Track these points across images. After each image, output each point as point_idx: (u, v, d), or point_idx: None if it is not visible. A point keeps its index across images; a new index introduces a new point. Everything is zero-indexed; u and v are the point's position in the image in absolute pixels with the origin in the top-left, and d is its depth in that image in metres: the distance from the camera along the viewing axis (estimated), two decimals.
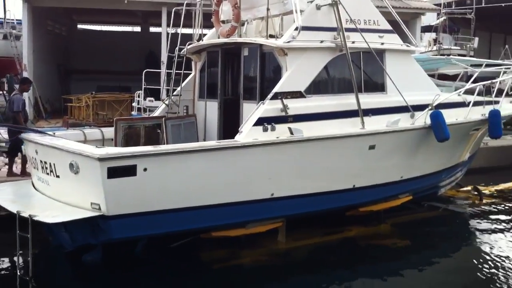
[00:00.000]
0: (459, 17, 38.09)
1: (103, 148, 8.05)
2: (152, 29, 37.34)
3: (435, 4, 35.67)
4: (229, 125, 10.72)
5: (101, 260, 8.49)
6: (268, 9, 9.93)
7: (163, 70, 23.02)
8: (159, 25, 25.37)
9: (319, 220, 10.48)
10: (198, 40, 11.54)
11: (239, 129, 9.03)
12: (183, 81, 11.64)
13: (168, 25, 25.30)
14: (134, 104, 19.80)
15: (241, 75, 10.59)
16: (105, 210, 7.70)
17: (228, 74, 11.37)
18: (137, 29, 40.11)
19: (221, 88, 11.17)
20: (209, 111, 11.39)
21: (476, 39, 37.18)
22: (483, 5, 37.81)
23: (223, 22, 11.16)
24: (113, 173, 7.61)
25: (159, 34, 24.95)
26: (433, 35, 35.90)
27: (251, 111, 9.27)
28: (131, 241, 8.51)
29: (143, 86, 19.35)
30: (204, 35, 11.72)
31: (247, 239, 9.38)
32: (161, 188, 8.00)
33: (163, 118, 10.77)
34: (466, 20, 37.70)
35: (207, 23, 11.76)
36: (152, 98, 19.46)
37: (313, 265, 9.21)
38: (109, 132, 10.58)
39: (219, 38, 11.05)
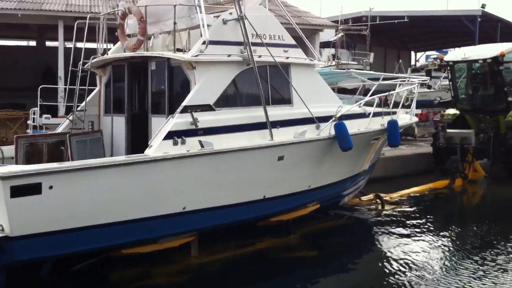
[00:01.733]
0: (355, 33, 39.85)
1: (5, 166, 7.69)
2: (49, 43, 36.07)
3: (332, 21, 37.01)
4: (137, 140, 10.57)
5: (4, 285, 8.06)
6: (175, 23, 9.94)
7: (61, 85, 22.42)
8: (56, 39, 24.60)
9: (231, 233, 10.54)
10: (103, 54, 11.32)
11: (149, 143, 8.92)
12: (87, 96, 11.36)
13: (67, 40, 24.70)
14: (29, 122, 18.92)
15: (148, 89, 10.48)
16: (8, 231, 7.32)
17: (135, 89, 11.22)
18: (33, 43, 38.64)
19: (128, 103, 11.00)
20: (116, 127, 11.17)
21: (372, 54, 39.00)
22: (377, 22, 39.74)
23: (129, 36, 11.03)
24: (16, 192, 7.27)
25: (56, 48, 24.18)
26: (332, 50, 37.28)
27: (160, 125, 9.20)
28: (37, 262, 8.13)
29: (38, 103, 18.57)
30: (109, 49, 11.52)
31: (159, 255, 9.25)
32: (68, 206, 7.72)
33: (67, 135, 10.45)
34: (362, 36, 39.51)
35: (111, 37, 11.56)
36: (48, 115, 18.72)
37: (227, 279, 9.22)
38: (9, 150, 10.12)
39: (125, 52, 10.90)
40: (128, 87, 11.00)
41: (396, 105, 13.99)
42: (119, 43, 11.28)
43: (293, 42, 11.38)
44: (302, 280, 9.25)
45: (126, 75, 10.96)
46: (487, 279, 8.91)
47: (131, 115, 11.01)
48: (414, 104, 14.79)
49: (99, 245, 8.30)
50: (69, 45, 27.46)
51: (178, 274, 9.40)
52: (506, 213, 14.43)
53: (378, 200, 13.75)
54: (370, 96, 12.98)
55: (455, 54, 19.99)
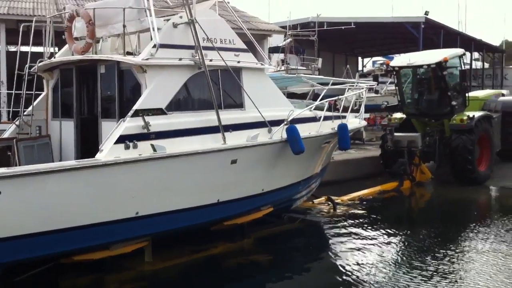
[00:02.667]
0: (303, 39, 40.27)
1: None
2: None
3: (281, 26, 37.27)
4: (87, 145, 10.37)
5: None
6: (124, 26, 9.80)
7: (3, 90, 21.75)
8: None
9: (185, 238, 10.45)
10: (50, 58, 11.06)
11: (100, 147, 8.75)
12: (34, 101, 11.06)
13: (10, 43, 23.99)
14: None
15: (98, 93, 10.29)
16: None
17: (83, 92, 11.00)
18: None
19: (77, 107, 10.77)
20: (65, 131, 10.91)
21: (320, 59, 39.45)
22: (325, 28, 40.28)
23: (77, 39, 10.80)
24: None
25: None
26: (281, 55, 37.55)
27: (111, 130, 9.03)
28: None
29: None
30: (55, 52, 11.26)
31: (112, 262, 9.08)
32: (17, 212, 7.51)
33: (14, 140, 10.14)
34: (310, 41, 39.94)
35: (57, 41, 11.28)
36: None
37: (181, 286, 9.14)
38: None
39: (73, 55, 10.68)
40: (77, 91, 10.76)
41: (345, 110, 14.21)
42: (66, 46, 11.03)
43: (244, 47, 11.42)
44: (257, 285, 9.27)
45: (75, 78, 10.73)
46: (435, 279, 9.09)
47: (80, 120, 10.78)
48: (362, 108, 15.07)
49: (49, 252, 8.10)
50: (12, 49, 26.75)
51: (132, 281, 9.26)
52: (452, 214, 14.84)
53: (330, 202, 13.90)
54: (320, 100, 13.14)
55: (400, 59, 20.43)
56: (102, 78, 10.20)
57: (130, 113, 9.07)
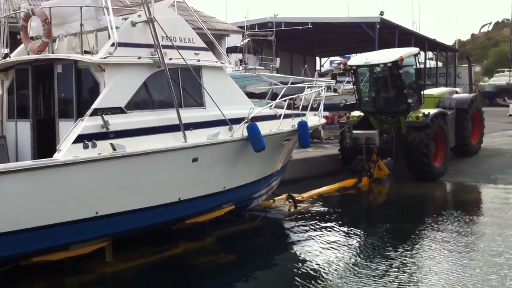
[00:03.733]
0: (261, 39, 40.44)
1: None
2: None
3: (238, 27, 37.33)
4: (44, 146, 10.18)
5: None
6: (82, 25, 9.68)
7: None
8: None
9: (147, 238, 10.38)
10: (4, 58, 10.82)
11: (58, 147, 8.63)
12: None
13: None
14: None
15: (55, 92, 10.13)
16: None
17: (40, 92, 10.81)
18: None
19: (33, 107, 10.57)
20: (21, 132, 10.70)
21: (278, 59, 39.72)
22: (282, 27, 40.57)
23: (32, 38, 10.60)
24: None
25: None
26: (239, 55, 37.63)
27: (69, 130, 8.90)
28: None
29: None
30: (10, 52, 11.03)
31: (72, 264, 8.97)
32: None
33: None
34: (268, 41, 40.16)
35: (12, 41, 11.05)
36: None
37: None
38: None
39: (28, 54, 10.48)
40: (33, 91, 10.57)
41: (304, 109, 14.32)
42: (22, 45, 10.82)
43: (204, 45, 11.41)
44: (219, 285, 9.26)
45: (31, 78, 10.53)
46: (391, 277, 9.19)
47: (37, 120, 10.58)
48: (322, 106, 15.21)
49: (7, 253, 7.95)
50: None
51: (92, 283, 9.17)
52: (409, 210, 15.13)
53: (290, 200, 14.00)
54: (280, 99, 13.23)
55: (358, 58, 20.74)
56: (59, 78, 10.04)
57: (88, 112, 8.96)
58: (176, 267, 10.02)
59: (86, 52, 9.87)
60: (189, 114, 10.41)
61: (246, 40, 37.70)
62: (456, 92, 22.76)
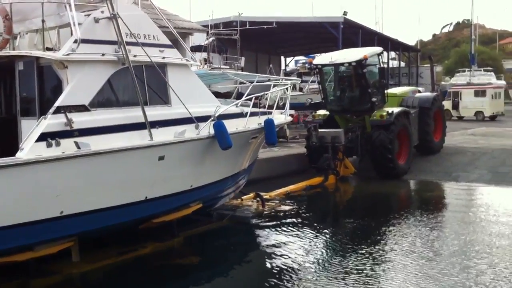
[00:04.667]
0: (226, 38, 40.31)
1: None
2: None
3: (203, 25, 37.11)
4: (5, 145, 9.90)
5: None
6: (43, 21, 9.48)
7: None
8: None
9: (113, 239, 10.23)
10: None
11: (20, 146, 8.42)
12: None
13: None
14: None
15: (16, 90, 9.89)
16: None
17: (1, 90, 10.55)
18: None
19: None
20: None
21: (243, 58, 39.62)
22: (247, 27, 40.52)
23: None
24: None
25: None
26: (203, 54, 37.42)
27: (31, 128, 8.69)
28: None
29: None
30: None
31: (38, 266, 8.79)
32: None
33: None
34: (233, 40, 40.05)
35: None
36: None
37: None
38: None
39: None
40: None
41: (270, 108, 14.29)
42: None
43: (169, 43, 11.28)
44: (187, 286, 9.21)
45: None
46: (362, 272, 9.28)
47: None
48: (287, 105, 15.23)
49: None
50: None
51: (59, 285, 8.99)
52: (374, 208, 15.27)
53: (258, 199, 13.97)
54: (246, 97, 13.19)
55: (322, 58, 20.86)
56: (20, 75, 9.81)
57: (51, 110, 8.78)
58: (144, 268, 9.88)
59: (48, 49, 9.67)
60: (155, 112, 10.29)
61: (210, 39, 37.51)
62: (419, 91, 23.15)
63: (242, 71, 35.71)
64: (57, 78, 9.38)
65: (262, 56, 56.09)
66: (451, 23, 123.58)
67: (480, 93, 38.55)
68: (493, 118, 38.29)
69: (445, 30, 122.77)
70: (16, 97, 9.90)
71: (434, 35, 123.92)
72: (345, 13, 46.44)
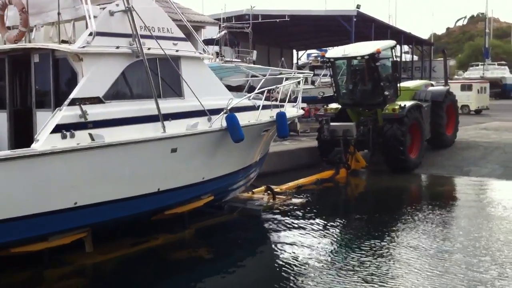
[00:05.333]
0: (238, 31, 40.30)
1: None
2: None
3: (215, 19, 37.11)
4: (21, 136, 10.07)
5: None
6: (59, 14, 9.59)
7: None
8: None
9: (126, 230, 10.36)
10: None
11: (35, 137, 8.55)
12: None
13: None
14: None
15: (32, 82, 10.02)
16: None
17: (16, 82, 10.67)
18: None
19: (10, 98, 10.43)
20: None
21: (255, 52, 39.59)
22: (259, 20, 40.48)
23: (9, 28, 10.49)
24: None
25: None
26: (215, 48, 37.46)
27: (46, 120, 8.83)
28: None
29: None
30: None
31: (51, 256, 8.94)
32: None
33: None
34: (245, 34, 40.01)
35: None
36: None
37: (122, 280, 9.09)
38: None
39: (5, 44, 10.33)
40: (10, 81, 10.42)
41: (281, 101, 14.33)
42: None
43: (182, 35, 11.36)
44: (198, 278, 9.27)
45: (7, 68, 10.37)
46: (372, 268, 9.28)
47: (14, 111, 10.46)
48: (300, 98, 15.28)
49: None
50: None
51: (72, 275, 9.13)
52: (386, 203, 15.29)
53: (269, 192, 14.04)
54: (258, 90, 13.26)
55: (335, 51, 20.84)
56: (36, 67, 9.93)
57: (66, 102, 8.90)
58: (156, 259, 10.00)
59: (63, 42, 9.78)
60: (168, 105, 10.39)
61: (222, 33, 37.53)
62: (432, 85, 23.07)
63: (254, 64, 35.75)
64: (72, 70, 9.50)
65: (274, 50, 55.99)
66: (465, 17, 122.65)
67: (466, 87, 38.96)
68: (478, 112, 38.57)
69: (459, 23, 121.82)
70: (32, 89, 10.03)
71: (447, 29, 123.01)
72: (358, 6, 46.22)
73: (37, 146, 8.28)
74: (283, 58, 42.47)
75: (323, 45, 59.66)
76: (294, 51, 66.46)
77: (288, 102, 14.51)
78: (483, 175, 17.82)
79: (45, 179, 8.28)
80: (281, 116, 12.62)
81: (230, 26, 38.87)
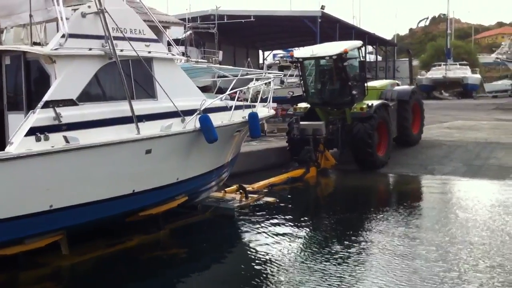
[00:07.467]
0: (203, 31, 40.31)
1: None
2: None
3: (180, 19, 36.97)
4: None
5: None
6: (31, 16, 9.51)
7: None
8: None
9: (101, 231, 10.35)
10: None
11: (9, 140, 8.49)
12: None
13: None
14: None
15: (3, 85, 9.92)
16: None
17: None
18: None
19: None
20: None
21: (221, 52, 39.65)
22: (225, 20, 40.58)
23: None
24: None
25: None
26: (181, 48, 37.33)
27: (19, 123, 8.78)
28: None
29: None
30: None
31: (27, 258, 8.88)
32: None
33: None
34: (211, 34, 40.06)
35: None
36: None
37: (99, 280, 9.11)
38: None
39: None
40: None
41: (252, 101, 14.44)
42: None
43: (155, 37, 11.38)
44: (173, 277, 9.36)
45: None
46: (342, 267, 9.42)
47: None
48: (271, 98, 15.39)
49: None
50: None
51: (48, 277, 9.08)
52: (354, 201, 15.59)
53: (241, 191, 14.13)
54: (230, 91, 13.35)
55: (304, 51, 21.03)
56: (7, 69, 9.86)
57: (40, 105, 8.84)
58: (131, 260, 10.01)
59: (35, 44, 9.70)
60: (142, 106, 10.39)
61: (188, 33, 37.50)
62: (397, 84, 23.51)
63: (219, 65, 35.80)
64: (45, 72, 9.44)
65: (240, 50, 56.14)
66: (427, 18, 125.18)
67: None
68: None
69: (422, 24, 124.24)
70: (3, 92, 9.93)
71: (410, 30, 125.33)
72: (322, 7, 46.62)
73: (12, 149, 8.23)
74: (249, 59, 42.67)
75: (288, 45, 60.14)
76: (260, 52, 66.74)
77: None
78: (447, 173, 18.19)
79: (20, 182, 8.22)
80: (253, 116, 12.74)
81: (196, 27, 38.88)
